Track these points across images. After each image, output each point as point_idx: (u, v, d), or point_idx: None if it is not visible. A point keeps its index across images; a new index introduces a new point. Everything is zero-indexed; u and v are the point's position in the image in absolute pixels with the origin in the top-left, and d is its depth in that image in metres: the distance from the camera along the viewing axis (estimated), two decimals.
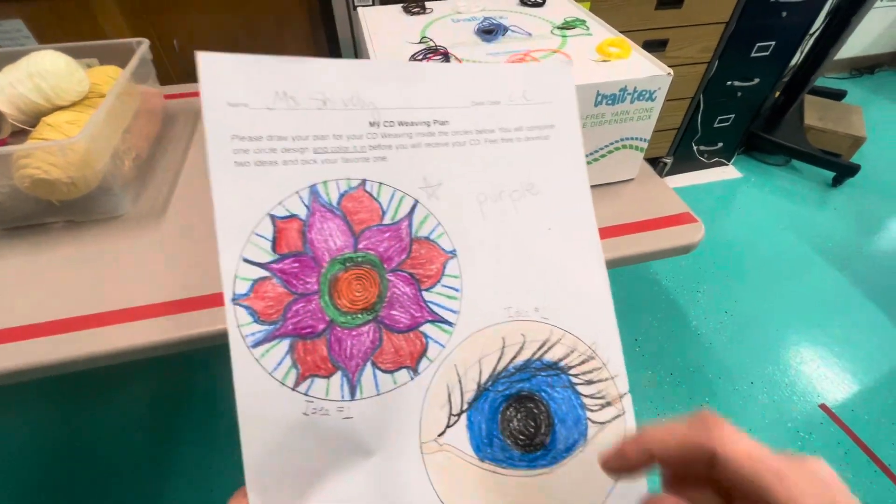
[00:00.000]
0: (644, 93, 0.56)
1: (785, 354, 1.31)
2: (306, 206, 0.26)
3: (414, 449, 0.26)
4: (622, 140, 0.60)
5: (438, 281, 0.28)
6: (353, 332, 0.26)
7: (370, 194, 0.27)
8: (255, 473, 0.24)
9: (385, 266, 0.27)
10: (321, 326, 0.25)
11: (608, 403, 0.28)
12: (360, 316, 0.26)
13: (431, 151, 0.29)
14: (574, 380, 0.28)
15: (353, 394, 0.25)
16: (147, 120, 0.70)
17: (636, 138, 0.61)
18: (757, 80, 1.54)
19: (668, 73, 0.55)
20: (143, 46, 0.70)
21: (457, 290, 0.28)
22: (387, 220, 0.27)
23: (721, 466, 0.18)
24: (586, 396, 0.28)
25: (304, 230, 0.26)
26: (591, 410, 0.28)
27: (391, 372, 0.26)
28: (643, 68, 0.55)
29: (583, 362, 0.29)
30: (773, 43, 1.45)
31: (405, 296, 0.27)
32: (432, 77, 0.29)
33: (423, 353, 0.27)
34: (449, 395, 0.27)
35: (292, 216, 0.26)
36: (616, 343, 0.29)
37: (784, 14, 1.37)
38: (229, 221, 0.25)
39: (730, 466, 0.18)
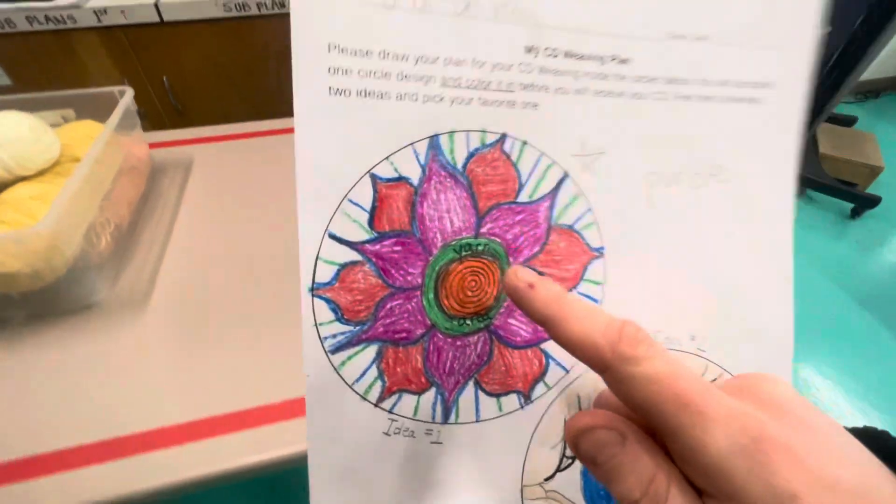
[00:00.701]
0: None
1: (805, 392, 1.24)
2: (421, 165, 0.19)
3: (513, 492, 0.23)
4: None
5: (575, 287, 0.22)
6: (458, 342, 0.21)
7: (508, 157, 0.20)
8: (320, 498, 0.21)
9: (510, 260, 0.21)
10: (419, 331, 0.21)
11: None
12: (469, 322, 0.21)
13: (600, 103, 0.20)
14: None
15: (446, 416, 0.22)
16: (130, 181, 0.61)
17: None
18: None
19: None
20: (126, 96, 0.61)
21: (596, 300, 0.22)
22: (523, 197, 0.21)
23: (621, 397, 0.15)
24: None
25: (414, 201, 0.19)
26: None
27: (497, 395, 0.22)
28: None
29: None
30: None
31: None
32: None
33: (541, 376, 0.22)
34: (564, 433, 0.22)
35: (401, 179, 0.19)
36: None
37: None
38: (315, 180, 0.18)
39: (623, 393, 0.14)
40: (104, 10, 0.91)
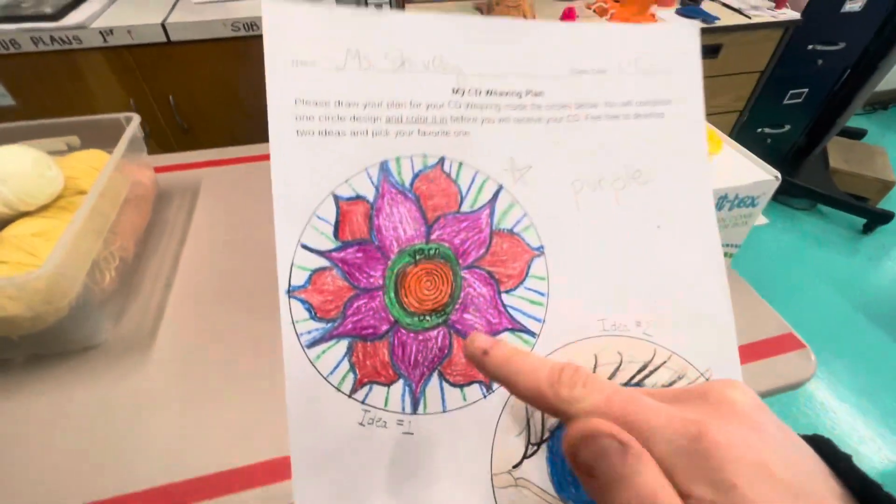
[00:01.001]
0: (746, 199, 0.46)
1: (821, 416, 1.22)
2: (375, 186, 0.23)
3: (482, 480, 0.24)
4: None
5: (521, 282, 0.25)
6: (420, 337, 0.24)
7: (448, 175, 0.24)
8: (303, 485, 0.22)
9: (460, 262, 0.24)
10: (384, 327, 0.23)
11: None
12: (428, 318, 0.24)
13: (522, 128, 0.24)
14: None
15: (415, 407, 0.24)
16: (136, 210, 0.59)
17: (728, 244, 0.51)
18: (788, 127, 1.48)
19: (776, 178, 0.45)
20: (133, 124, 0.59)
21: (542, 294, 0.25)
22: (465, 208, 0.24)
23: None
24: None
25: (371, 214, 0.23)
26: None
27: (461, 386, 0.24)
28: (746, 172, 0.46)
29: None
30: (807, 90, 1.40)
31: (481, 298, 0.24)
32: (530, 36, 0.24)
33: None
34: (528, 420, 0.24)
35: (358, 197, 0.23)
36: (737, 373, 0.25)
37: (820, 62, 1.31)
38: (288, 200, 0.22)
39: (576, 429, 0.15)
40: (110, 31, 0.90)
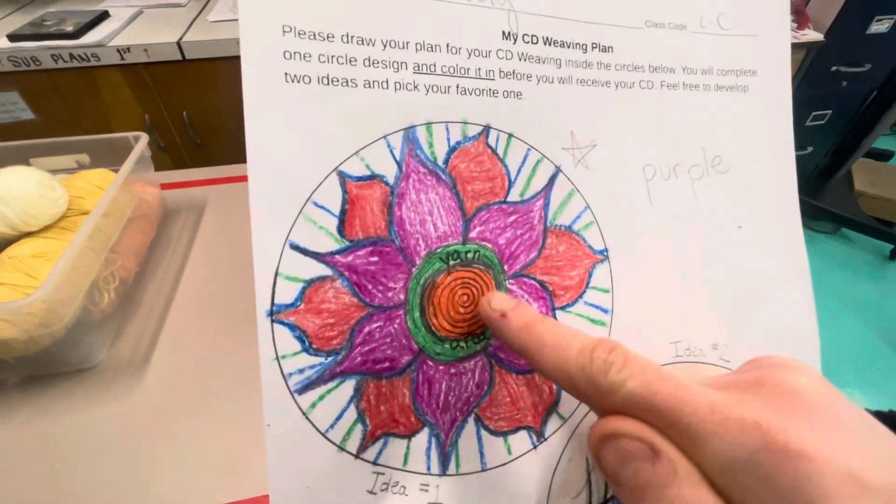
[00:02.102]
0: None
1: None
2: (397, 161, 0.17)
3: None
4: None
5: (580, 296, 0.19)
6: (452, 370, 0.18)
7: (493, 151, 0.18)
8: None
9: (505, 268, 0.18)
10: (405, 359, 0.17)
11: None
12: (463, 344, 0.18)
13: (586, 93, 0.19)
14: None
15: (444, 465, 0.18)
16: (139, 228, 0.59)
17: None
18: (810, 150, 1.44)
19: None
20: (140, 143, 0.60)
21: (606, 311, 0.20)
22: (514, 196, 0.19)
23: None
24: None
25: (390, 202, 0.17)
26: None
27: (504, 434, 0.19)
28: None
29: None
30: (830, 112, 1.36)
31: None
32: None
33: (554, 406, 0.19)
34: (589, 476, 0.19)
35: (374, 177, 0.17)
36: None
37: (844, 83, 1.27)
38: (270, 179, 0.15)
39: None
40: (127, 49, 0.92)
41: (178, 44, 0.94)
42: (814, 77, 1.25)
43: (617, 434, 0.12)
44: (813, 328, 0.22)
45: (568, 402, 0.19)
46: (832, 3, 1.26)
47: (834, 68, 1.27)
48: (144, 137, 0.61)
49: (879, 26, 1.27)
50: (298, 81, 0.15)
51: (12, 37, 0.91)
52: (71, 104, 0.97)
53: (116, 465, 0.39)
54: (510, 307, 0.16)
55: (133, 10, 1.08)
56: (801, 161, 1.48)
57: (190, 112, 1.02)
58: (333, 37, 0.15)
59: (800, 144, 1.44)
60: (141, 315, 0.53)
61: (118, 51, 0.92)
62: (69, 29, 0.93)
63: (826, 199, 1.75)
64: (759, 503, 0.10)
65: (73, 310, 0.44)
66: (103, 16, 1.02)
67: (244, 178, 0.66)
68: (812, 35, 1.25)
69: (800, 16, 1.23)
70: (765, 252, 0.22)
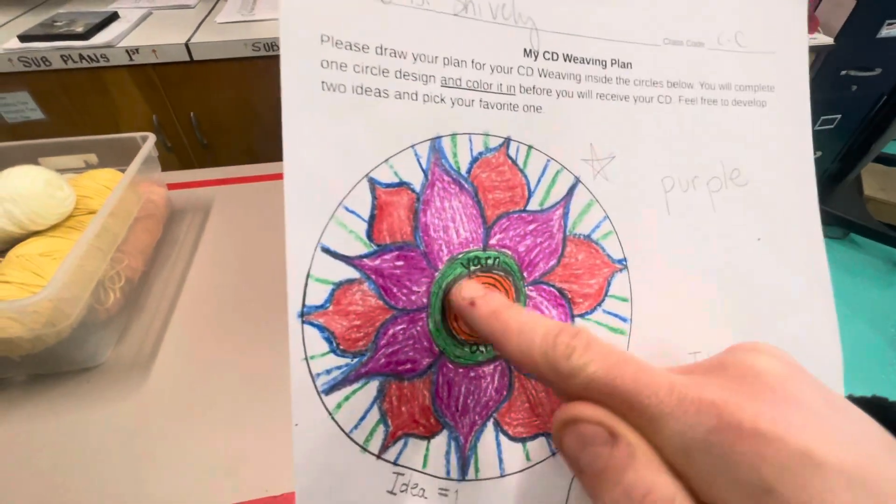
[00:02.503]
0: None
1: None
2: (423, 170, 0.18)
3: None
4: None
5: (599, 304, 0.20)
6: (471, 373, 0.19)
7: (514, 162, 0.19)
8: None
9: (524, 275, 0.19)
10: (426, 361, 0.18)
11: None
12: (483, 349, 0.19)
13: (605, 107, 0.20)
14: None
15: (464, 470, 0.18)
16: (145, 228, 0.60)
17: None
18: (819, 154, 1.43)
19: None
20: (147, 143, 0.60)
21: (625, 320, 0.20)
22: (533, 205, 0.19)
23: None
24: None
25: (416, 208, 0.17)
26: None
27: (523, 440, 0.19)
28: None
29: None
30: (839, 116, 1.34)
31: None
32: None
33: None
34: None
35: (402, 184, 0.17)
36: None
37: (854, 88, 1.26)
38: (306, 183, 0.16)
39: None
40: (136, 50, 0.93)
41: (187, 45, 0.95)
42: (823, 81, 1.24)
43: (576, 419, 0.12)
44: (835, 342, 0.22)
45: None
46: (842, 6, 1.25)
47: (844, 72, 1.26)
48: (152, 138, 0.61)
49: (890, 30, 1.26)
50: (334, 90, 0.16)
51: (23, 37, 0.92)
52: (80, 104, 0.98)
53: (120, 464, 0.39)
54: (478, 295, 0.16)
55: (142, 11, 1.09)
56: None
57: (197, 113, 1.03)
58: (368, 48, 0.16)
59: None
60: (146, 315, 0.53)
61: (127, 52, 0.93)
62: (79, 30, 0.94)
63: (835, 204, 1.74)
64: (716, 484, 0.10)
65: (79, 309, 0.44)
66: (113, 17, 1.03)
67: (250, 179, 0.67)
68: (821, 39, 1.24)
69: (809, 20, 1.22)
70: (784, 265, 0.22)
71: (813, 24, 1.24)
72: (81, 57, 0.91)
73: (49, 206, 0.48)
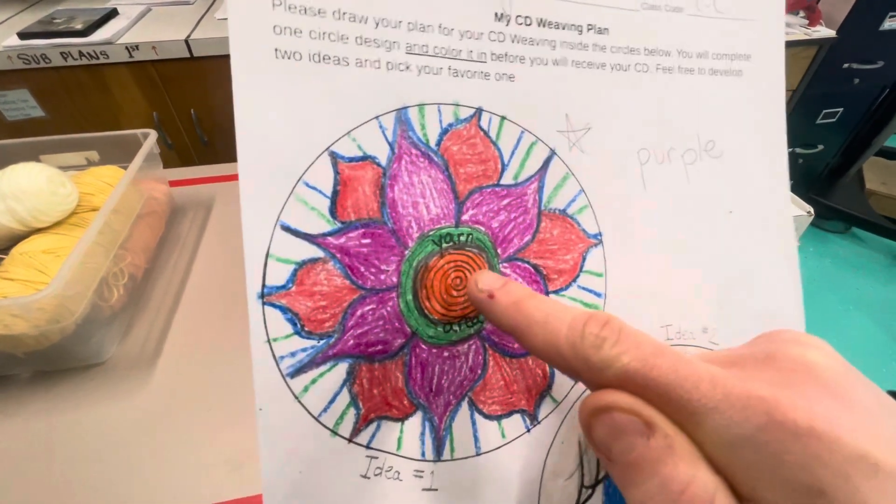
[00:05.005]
0: None
1: None
2: (389, 143, 0.17)
3: None
4: None
5: (574, 280, 0.20)
6: (445, 353, 0.18)
7: (486, 133, 0.18)
8: None
9: (499, 251, 0.19)
10: (398, 342, 0.17)
11: None
12: (456, 328, 0.18)
13: (581, 75, 0.19)
14: None
15: (439, 450, 0.18)
16: (148, 226, 0.59)
17: None
18: (821, 147, 1.43)
19: (809, 213, 0.42)
20: (149, 140, 0.60)
21: (599, 294, 0.20)
22: (507, 179, 0.19)
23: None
24: None
25: (383, 183, 0.17)
26: None
27: (498, 418, 0.19)
28: None
29: None
30: (841, 110, 1.34)
31: None
32: None
33: (547, 389, 0.19)
34: (581, 457, 0.20)
35: (366, 158, 0.16)
36: None
37: (856, 80, 1.26)
38: (260, 158, 0.15)
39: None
40: (136, 46, 0.93)
41: (187, 41, 0.95)
42: (825, 74, 1.23)
43: (610, 407, 0.12)
44: (799, 314, 0.22)
45: (561, 384, 0.20)
46: None
47: (846, 65, 1.26)
48: (153, 134, 0.61)
49: (893, 23, 1.25)
50: (289, 58, 0.15)
51: (22, 35, 0.92)
52: (80, 101, 0.97)
53: (125, 460, 0.39)
54: (497, 286, 0.15)
55: (141, 7, 1.08)
56: (811, 159, 1.46)
57: (198, 109, 1.03)
58: (325, 12, 0.15)
59: (810, 142, 1.43)
60: (150, 311, 0.53)
61: (127, 48, 0.92)
62: (78, 27, 0.94)
63: (836, 199, 1.74)
64: (761, 482, 0.10)
65: (82, 306, 0.44)
66: (112, 13, 1.03)
67: None
68: (824, 31, 1.23)
69: (811, 12, 1.22)
70: (754, 237, 0.22)
71: (815, 17, 1.23)
72: (81, 54, 0.91)
73: (52, 203, 0.48)
